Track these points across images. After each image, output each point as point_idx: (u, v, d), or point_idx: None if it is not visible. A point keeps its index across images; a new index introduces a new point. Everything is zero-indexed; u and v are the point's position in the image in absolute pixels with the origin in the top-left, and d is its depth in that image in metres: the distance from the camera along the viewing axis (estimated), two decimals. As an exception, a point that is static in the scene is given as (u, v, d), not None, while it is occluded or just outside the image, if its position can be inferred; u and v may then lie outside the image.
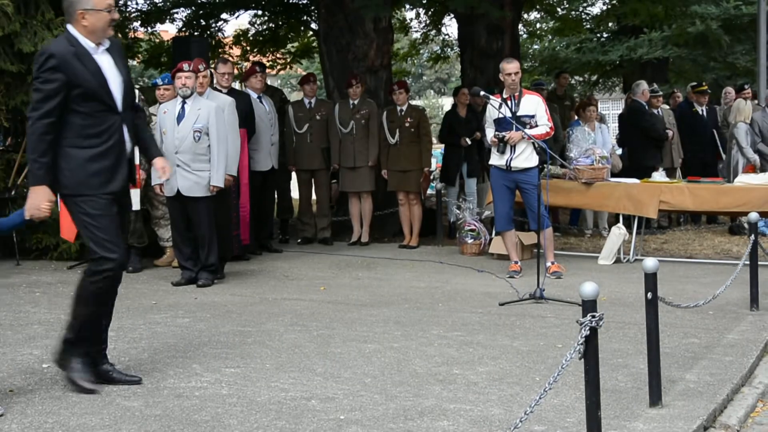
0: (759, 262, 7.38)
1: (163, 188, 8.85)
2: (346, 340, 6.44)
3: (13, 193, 10.21)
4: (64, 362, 5.30)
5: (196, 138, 8.66)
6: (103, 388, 5.21)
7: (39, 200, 5.02)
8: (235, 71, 15.81)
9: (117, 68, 5.24)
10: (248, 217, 10.19)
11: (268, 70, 17.15)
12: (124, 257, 5.34)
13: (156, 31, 17.17)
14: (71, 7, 5.13)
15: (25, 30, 10.07)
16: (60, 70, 4.99)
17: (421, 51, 22.98)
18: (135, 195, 9.49)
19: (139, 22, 16.14)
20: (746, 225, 9.35)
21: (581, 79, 22.73)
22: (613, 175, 10.92)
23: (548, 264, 8.90)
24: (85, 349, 5.28)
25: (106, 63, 5.18)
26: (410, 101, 11.73)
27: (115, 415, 4.78)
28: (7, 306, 7.82)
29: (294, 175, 12.05)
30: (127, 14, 15.17)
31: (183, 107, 8.73)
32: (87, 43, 5.12)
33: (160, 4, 16.10)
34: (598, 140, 11.53)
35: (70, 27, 5.16)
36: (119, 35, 11.99)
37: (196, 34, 15.83)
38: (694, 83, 14.47)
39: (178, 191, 8.69)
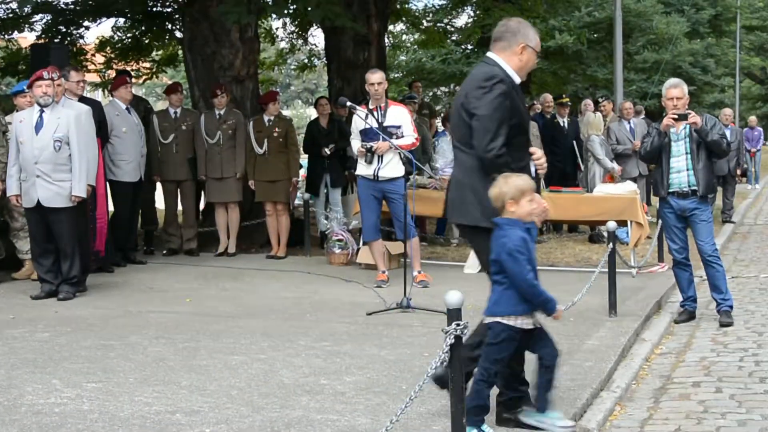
0: (616, 270, 7.62)
1: (21, 199, 8.59)
2: (212, 352, 6.37)
3: None
4: None
5: (56, 148, 8.42)
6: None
7: None
8: (99, 79, 15.48)
9: None
10: (105, 228, 9.97)
11: (133, 80, 16.87)
12: None
13: (13, 38, 16.64)
14: (514, 36, 4.89)
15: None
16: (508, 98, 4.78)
17: (288, 60, 22.93)
18: (-8, 206, 9.22)
19: (-5, 28, 15.62)
20: (605, 233, 9.63)
21: (447, 90, 23.07)
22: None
23: (415, 273, 8.99)
24: None
25: None
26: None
27: (-31, 434, 4.62)
28: None
29: (159, 185, 11.85)
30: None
31: (41, 116, 8.48)
32: (514, 77, 4.91)
33: (17, 11, 15.62)
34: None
35: (496, 56, 4.91)
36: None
37: (56, 41, 15.42)
38: (553, 96, 14.86)
39: (38, 202, 8.44)
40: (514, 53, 4.90)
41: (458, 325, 4.13)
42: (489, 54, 4.97)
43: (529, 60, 4.96)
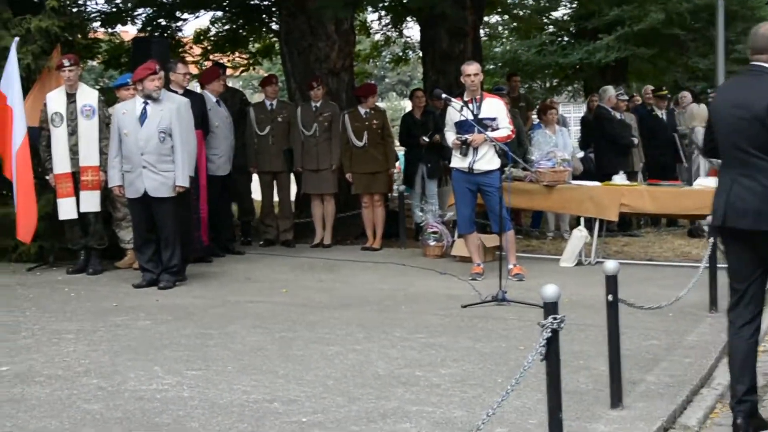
0: (717, 265, 7.46)
1: (124, 190, 8.79)
2: (308, 342, 6.43)
3: None
4: None
5: (161, 139, 8.60)
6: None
7: None
8: (196, 71, 15.72)
9: None
10: (207, 218, 10.15)
11: (230, 71, 17.08)
12: None
13: (116, 32, 17.01)
14: None
15: (-17, 29, 9.98)
16: None
17: (383, 53, 22.98)
18: (96, 196, 9.45)
19: (99, 22, 15.98)
20: (705, 228, 9.44)
21: (543, 83, 22.83)
22: (575, 177, 10.98)
23: (510, 266, 8.94)
24: None
25: None
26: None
27: (75, 418, 4.75)
28: (-36, 309, 7.74)
29: (255, 177, 12.01)
30: (87, 15, 15.01)
31: (145, 108, 8.66)
32: None
33: (121, 5, 15.96)
34: (559, 143, 11.61)
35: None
36: (79, 36, 11.85)
37: (156, 34, 15.71)
38: (653, 87, 14.60)
39: (144, 192, 8.62)
40: None
41: (555, 318, 4.10)
42: (762, 63, 4.85)
43: None
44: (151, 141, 8.59)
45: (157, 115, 8.63)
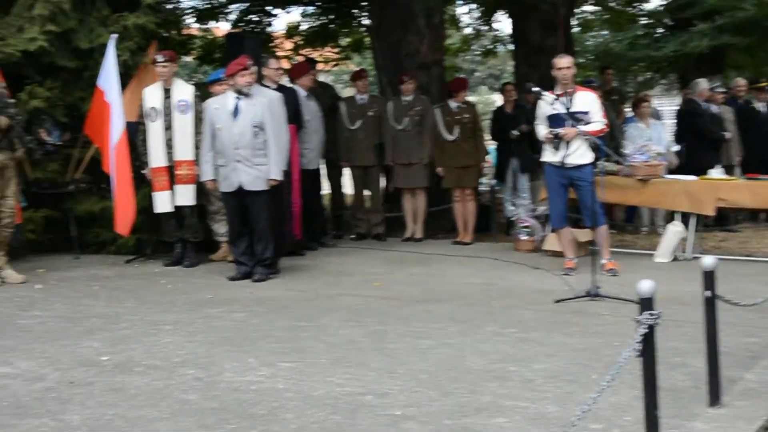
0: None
1: (216, 184, 8.92)
2: (400, 335, 6.44)
3: (71, 187, 10.35)
4: None
5: (254, 133, 8.70)
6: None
7: None
8: (286, 66, 15.88)
9: None
10: (300, 212, 10.24)
11: (321, 66, 17.20)
12: None
13: (210, 27, 17.29)
14: None
15: (82, 27, 10.23)
16: None
17: (473, 46, 22.90)
18: (190, 190, 9.61)
19: (194, 19, 16.26)
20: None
21: (636, 76, 22.46)
22: (670, 172, 10.80)
23: (603, 261, 8.83)
24: None
25: None
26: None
27: (173, 407, 4.83)
28: (66, 299, 7.95)
29: (346, 170, 12.09)
30: (182, 12, 15.28)
31: (237, 103, 8.77)
32: None
33: (214, 1, 16.22)
34: (653, 136, 11.43)
35: None
36: (174, 32, 12.07)
37: (247, 29, 15.92)
38: (749, 79, 14.26)
39: (239, 186, 8.75)
40: None
41: (651, 314, 4.03)
42: None
43: None
44: (244, 135, 8.70)
45: (249, 109, 8.73)
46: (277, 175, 8.77)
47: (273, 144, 8.74)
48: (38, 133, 10.61)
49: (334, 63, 19.25)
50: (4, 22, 10.02)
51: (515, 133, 11.52)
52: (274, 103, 8.93)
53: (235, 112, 8.73)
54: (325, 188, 12.23)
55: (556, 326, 6.70)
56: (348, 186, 12.47)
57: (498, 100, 13.08)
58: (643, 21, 20.41)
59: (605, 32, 21.37)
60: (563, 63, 8.85)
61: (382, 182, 12.32)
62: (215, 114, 8.83)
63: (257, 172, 8.71)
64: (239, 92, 8.74)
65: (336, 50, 18.85)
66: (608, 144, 10.07)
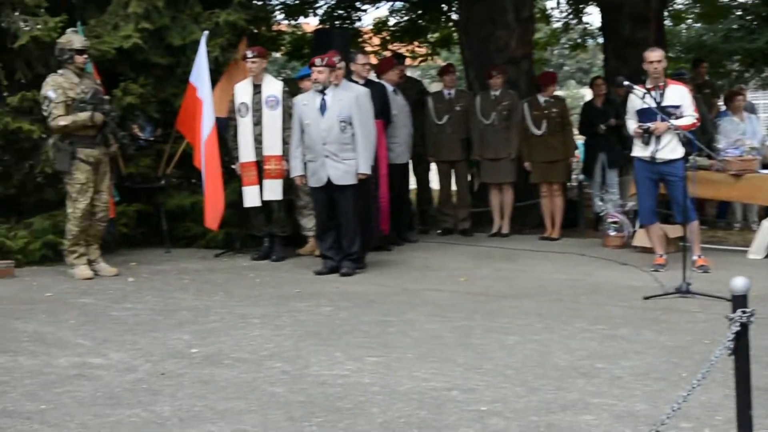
0: None
1: (306, 179, 8.99)
2: (486, 331, 6.42)
3: (162, 182, 10.53)
4: None
5: (342, 128, 8.75)
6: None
7: None
8: (374, 61, 15.93)
9: None
10: (388, 207, 10.26)
11: (408, 61, 17.22)
12: None
13: (299, 23, 17.44)
14: None
15: (175, 24, 10.40)
16: None
17: (561, 40, 22.70)
18: (278, 185, 9.71)
19: (283, 15, 16.43)
20: None
21: (732, 69, 22.03)
22: (764, 166, 10.55)
23: (694, 258, 8.68)
24: None
25: None
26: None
27: (261, 400, 4.89)
28: (157, 292, 8.09)
29: (433, 166, 12.08)
30: (272, 8, 15.45)
31: (323, 99, 8.83)
32: None
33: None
34: (747, 131, 11.20)
35: None
36: (264, 28, 12.21)
37: (336, 25, 16.02)
38: None
39: (328, 181, 8.81)
40: None
41: (744, 312, 3.95)
42: None
43: None
44: (332, 130, 8.75)
45: (336, 104, 8.78)
46: (365, 169, 8.81)
47: (360, 139, 8.78)
48: (131, 129, 10.83)
49: (422, 59, 19.25)
50: (100, 21, 10.24)
51: (603, 127, 11.40)
52: (362, 97, 8.97)
53: (323, 107, 8.79)
54: (412, 183, 12.24)
55: (645, 323, 6.61)
56: (434, 181, 12.47)
57: (587, 94, 12.94)
58: (738, 13, 20.01)
59: (698, 24, 20.99)
60: (654, 56, 8.70)
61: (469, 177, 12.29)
62: (303, 110, 8.90)
63: (345, 166, 8.75)
64: (325, 88, 8.79)
65: (424, 46, 18.86)
66: (700, 138, 9.89)
